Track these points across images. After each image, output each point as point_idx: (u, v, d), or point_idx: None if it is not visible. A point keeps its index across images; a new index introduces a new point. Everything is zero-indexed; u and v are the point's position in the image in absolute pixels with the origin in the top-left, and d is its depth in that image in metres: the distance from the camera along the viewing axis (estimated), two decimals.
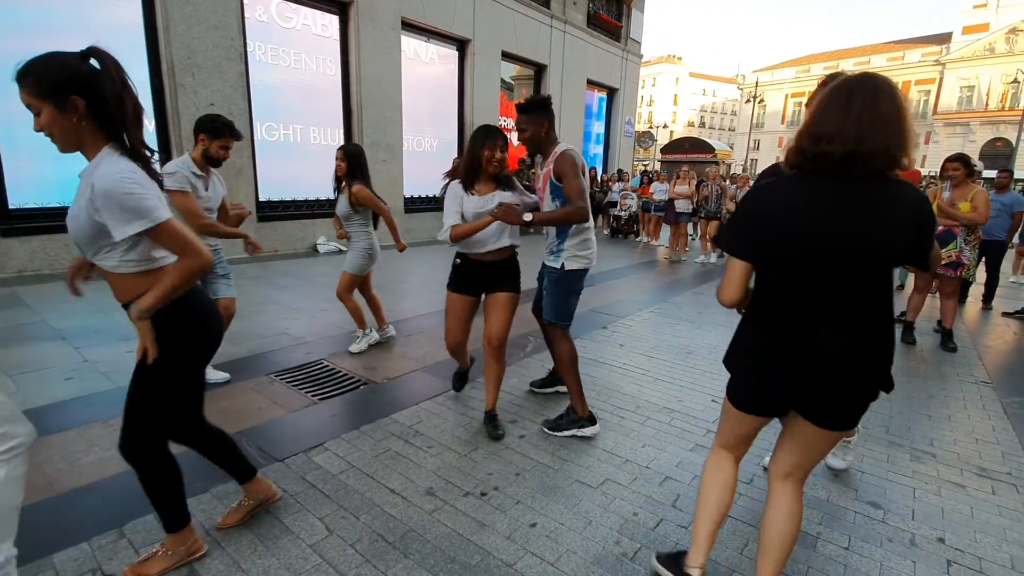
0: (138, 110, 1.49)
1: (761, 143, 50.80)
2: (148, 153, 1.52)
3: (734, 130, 61.50)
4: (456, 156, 10.72)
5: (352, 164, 3.75)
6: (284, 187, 8.21)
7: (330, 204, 8.39)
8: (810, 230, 1.35)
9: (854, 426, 1.52)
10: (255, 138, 7.69)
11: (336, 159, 3.78)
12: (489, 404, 2.87)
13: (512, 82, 12.22)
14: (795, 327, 1.41)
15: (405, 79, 9.44)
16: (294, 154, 8.28)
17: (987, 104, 38.55)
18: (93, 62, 1.43)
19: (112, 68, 1.43)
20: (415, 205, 10.27)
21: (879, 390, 1.42)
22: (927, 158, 39.46)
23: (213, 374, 3.28)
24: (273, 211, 8.01)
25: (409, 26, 9.45)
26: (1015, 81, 33.22)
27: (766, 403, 1.54)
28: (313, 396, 3.20)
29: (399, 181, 9.64)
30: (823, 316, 1.38)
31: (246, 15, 7.31)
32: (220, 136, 2.97)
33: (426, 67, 10.23)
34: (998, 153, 36.55)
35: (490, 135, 2.62)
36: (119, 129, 1.46)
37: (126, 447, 1.64)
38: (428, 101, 10.36)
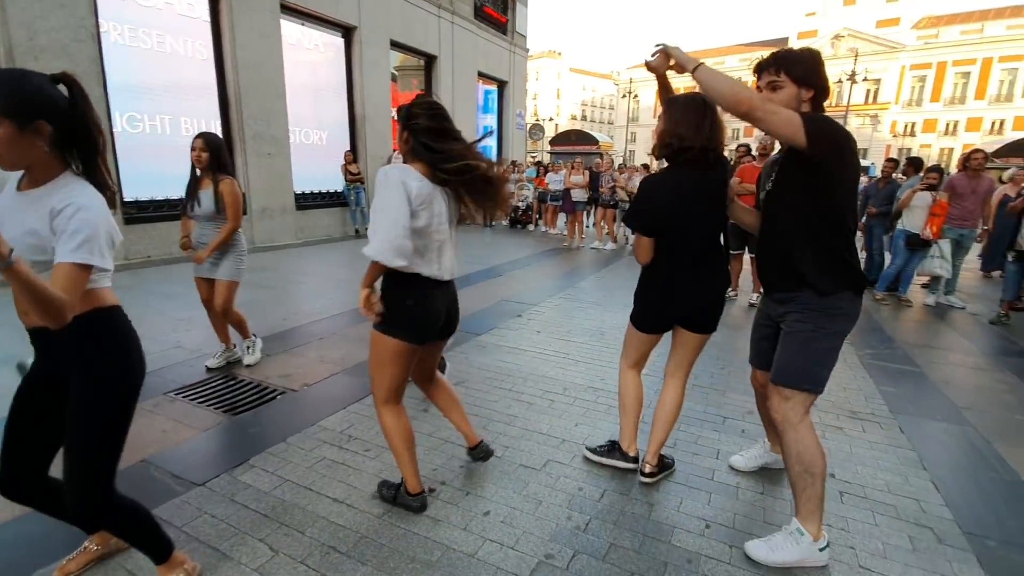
0: (104, 140, 1.44)
1: (637, 136, 54.46)
2: (112, 185, 1.44)
3: (613, 123, 65.27)
4: (348, 149, 10.26)
5: (216, 155, 3.22)
6: (153, 185, 7.32)
7: None
8: (690, 206, 2.11)
9: (714, 330, 2.29)
10: (114, 130, 6.77)
11: (194, 148, 3.18)
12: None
13: (395, 72, 11.89)
14: (679, 270, 2.17)
15: (289, 67, 8.82)
16: (163, 148, 7.40)
17: None
18: (62, 88, 1.35)
19: (84, 99, 1.38)
20: (307, 202, 9.68)
21: (723, 304, 2.27)
22: (773, 147, 44.87)
23: None
24: (142, 212, 7.12)
25: (289, 10, 8.83)
26: (839, 81, 38.75)
27: (660, 323, 2.30)
28: (225, 412, 2.94)
29: (288, 176, 9.02)
30: (695, 260, 2.16)
31: None
32: None
33: (311, 54, 9.64)
34: None
35: None
36: (94, 159, 1.39)
37: (90, 502, 1.45)
38: (315, 91, 9.78)
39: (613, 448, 2.48)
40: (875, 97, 41.70)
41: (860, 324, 5.35)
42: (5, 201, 1.41)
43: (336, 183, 10.18)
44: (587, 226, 11.21)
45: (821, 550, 1.88)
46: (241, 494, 2.20)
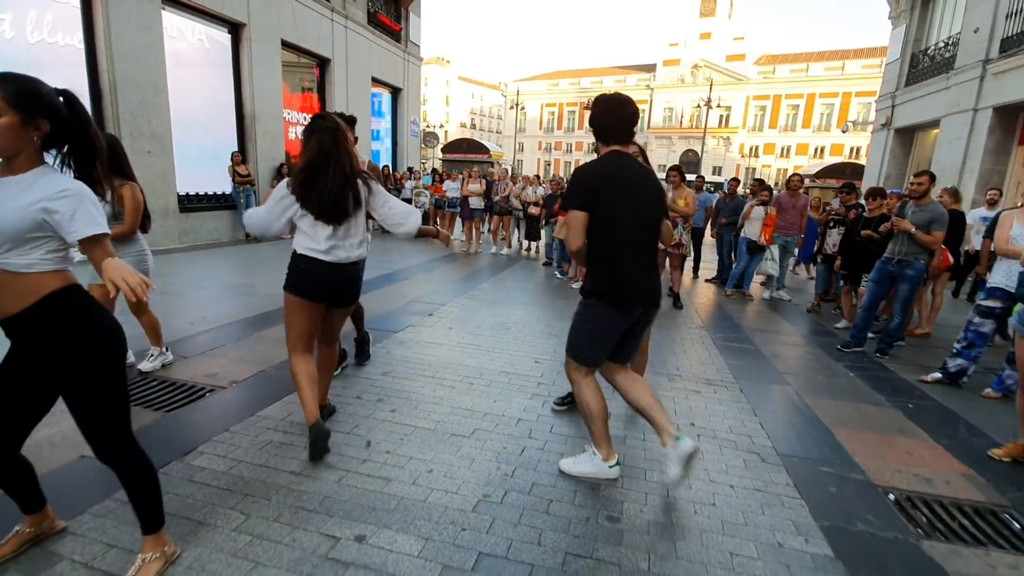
0: (103, 148, 1.69)
1: (524, 146, 56.50)
2: (107, 185, 1.71)
3: (501, 132, 67.01)
4: (236, 150, 9.87)
5: (113, 156, 3.05)
6: None
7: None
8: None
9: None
10: None
11: None
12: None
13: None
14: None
15: (172, 61, 8.35)
16: None
17: (681, 122, 49.75)
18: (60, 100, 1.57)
19: (84, 114, 1.62)
20: (192, 204, 9.16)
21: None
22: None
23: None
24: None
25: (172, 1, 8.37)
26: (698, 106, 43.68)
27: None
28: (157, 410, 3.01)
29: (170, 176, 8.50)
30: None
31: None
32: None
33: (196, 50, 9.16)
34: (690, 161, 47.19)
35: None
36: (93, 164, 1.65)
37: (122, 446, 1.67)
38: (200, 88, 9.30)
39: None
40: (727, 122, 47.45)
41: (714, 313, 6.51)
42: None
43: (224, 185, 9.74)
44: (484, 232, 11.77)
45: (611, 467, 2.54)
46: (199, 475, 2.39)
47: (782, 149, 46.02)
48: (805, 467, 2.83)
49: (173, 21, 8.57)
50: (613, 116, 2.45)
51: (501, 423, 3.09)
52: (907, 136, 13.31)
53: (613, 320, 2.42)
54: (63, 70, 7.11)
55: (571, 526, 2.20)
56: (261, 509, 2.17)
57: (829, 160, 37.50)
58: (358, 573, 1.85)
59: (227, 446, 2.65)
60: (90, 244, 1.52)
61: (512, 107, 51.50)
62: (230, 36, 9.77)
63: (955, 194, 5.84)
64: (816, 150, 43.92)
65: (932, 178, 4.82)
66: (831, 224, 6.66)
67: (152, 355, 3.59)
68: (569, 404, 3.26)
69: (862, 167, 21.32)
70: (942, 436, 3.32)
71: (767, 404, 3.71)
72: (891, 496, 2.60)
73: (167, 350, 3.70)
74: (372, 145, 15.26)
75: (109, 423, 1.64)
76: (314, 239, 2.49)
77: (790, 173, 7.74)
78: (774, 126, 46.17)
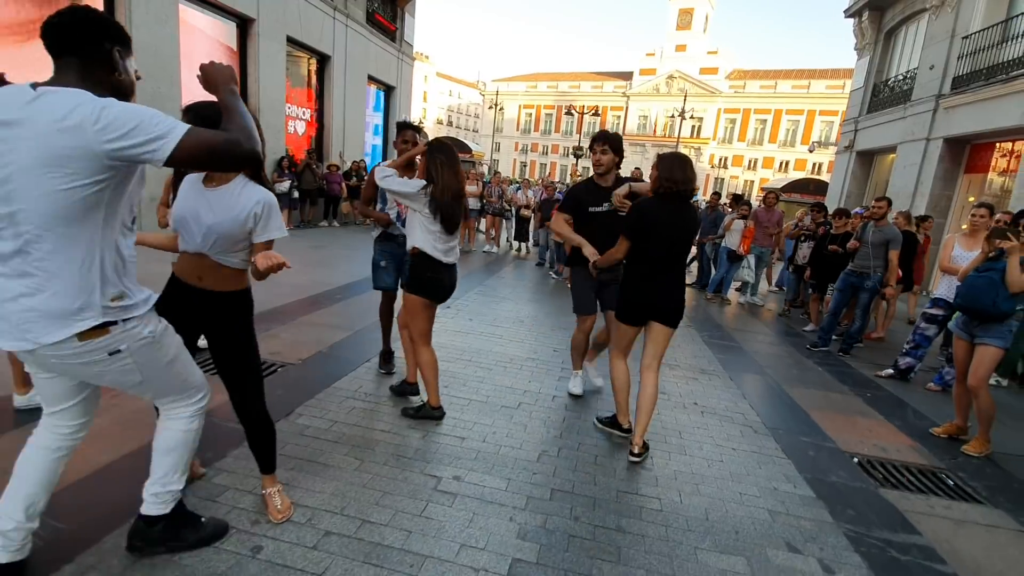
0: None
1: (502, 146, 56.95)
2: (273, 189, 2.03)
3: (478, 131, 67.27)
4: None
5: None
6: None
7: None
8: (663, 227, 2.85)
9: (677, 326, 3.02)
10: None
11: None
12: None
13: None
14: (651, 276, 2.94)
15: (184, 54, 8.56)
16: None
17: (655, 131, 51.21)
18: None
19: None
20: None
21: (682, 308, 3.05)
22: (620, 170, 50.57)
23: None
24: None
25: None
26: (672, 116, 45.12)
27: (638, 318, 3.02)
28: None
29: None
30: (665, 271, 2.94)
31: None
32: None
33: (204, 43, 9.36)
34: None
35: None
36: (261, 170, 1.97)
37: (253, 410, 2.06)
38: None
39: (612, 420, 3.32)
40: (698, 132, 49.12)
41: (699, 316, 7.23)
42: (197, 195, 1.89)
43: None
44: (479, 232, 12.29)
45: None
46: (307, 431, 2.87)
47: (750, 161, 47.94)
48: (788, 437, 3.49)
49: (186, 14, 8.78)
50: None
51: (540, 398, 3.65)
52: (867, 159, 14.48)
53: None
54: None
55: (616, 472, 2.79)
56: (369, 456, 2.68)
57: (793, 175, 39.36)
58: (465, 501, 2.39)
59: (320, 410, 3.13)
60: (266, 244, 1.92)
61: (491, 107, 51.99)
62: (239, 31, 9.99)
63: (908, 217, 6.70)
64: (781, 164, 45.96)
65: (889, 203, 5.64)
66: (802, 238, 7.48)
67: None
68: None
69: (825, 183, 22.71)
70: (894, 418, 4.06)
71: (753, 390, 4.39)
72: (855, 460, 3.29)
73: None
74: (373, 140, 15.56)
75: (256, 389, 2.07)
76: (437, 240, 2.99)
77: (759, 186, 8.52)
78: (743, 139, 48.08)
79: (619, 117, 52.37)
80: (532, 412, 3.43)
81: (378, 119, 15.86)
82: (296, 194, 11.02)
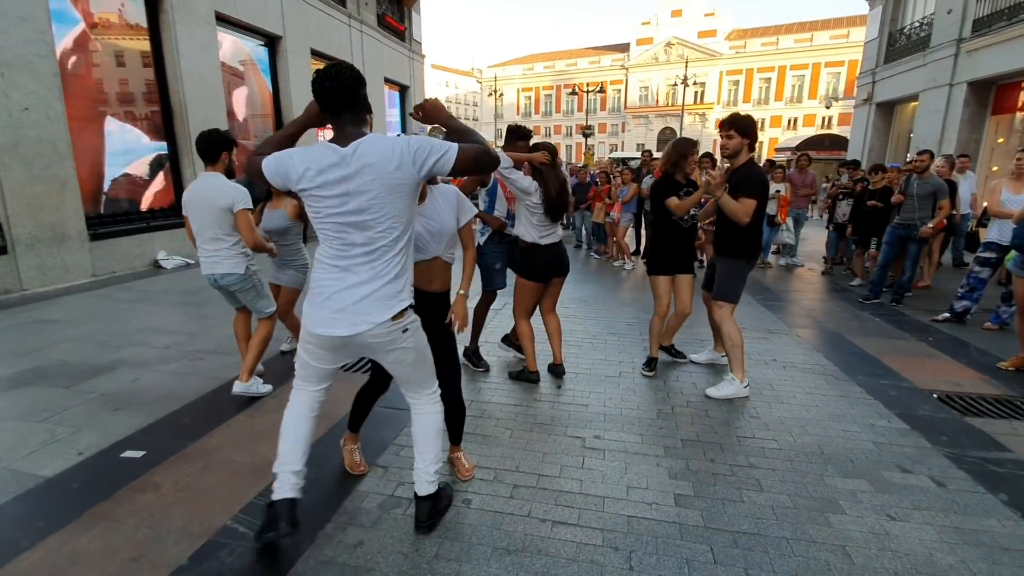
0: None
1: (503, 132, 56.83)
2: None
3: (478, 120, 67.14)
4: None
5: None
6: (118, 199, 7.26)
7: (173, 215, 7.73)
8: None
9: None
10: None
11: None
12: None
13: None
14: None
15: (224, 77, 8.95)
16: (118, 161, 7.34)
17: (657, 101, 50.70)
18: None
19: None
20: None
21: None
22: (624, 144, 50.45)
23: (262, 386, 3.47)
24: (105, 227, 7.05)
25: (223, 20, 8.94)
26: (674, 84, 44.71)
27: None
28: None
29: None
30: None
31: (51, 5, 6.25)
32: (235, 146, 3.29)
33: (239, 66, 9.74)
34: (667, 139, 48.21)
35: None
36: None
37: (454, 391, 2.44)
38: (244, 102, 9.91)
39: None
40: (702, 98, 48.60)
41: (749, 281, 7.52)
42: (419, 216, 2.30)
43: None
44: None
45: (745, 387, 3.51)
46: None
47: (758, 122, 47.26)
48: (869, 381, 3.83)
49: (222, 39, 9.15)
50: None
51: (636, 367, 4.03)
52: (887, 110, 14.50)
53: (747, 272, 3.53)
54: (143, 90, 7.71)
55: (731, 421, 3.17)
56: (515, 426, 3.08)
57: (803, 131, 38.97)
58: (613, 454, 2.78)
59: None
60: (469, 224, 2.40)
61: (490, 94, 51.91)
62: (267, 49, 10.35)
63: (951, 163, 6.85)
64: (789, 122, 45.40)
65: (932, 155, 5.86)
66: (840, 196, 7.70)
67: (290, 339, 4.24)
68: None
69: (842, 138, 22.59)
70: (960, 357, 4.38)
71: (821, 343, 4.72)
72: (935, 395, 3.62)
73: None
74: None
75: (456, 376, 2.48)
76: (538, 229, 3.46)
77: (769, 146, 8.63)
78: (747, 100, 47.45)
79: (619, 91, 51.93)
80: (635, 380, 3.80)
81: (394, 116, 16.18)
82: None
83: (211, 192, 3.10)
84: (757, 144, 3.99)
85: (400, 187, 1.78)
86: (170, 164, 8.21)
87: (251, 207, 3.17)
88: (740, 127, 3.44)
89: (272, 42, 10.35)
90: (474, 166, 1.90)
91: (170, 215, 7.96)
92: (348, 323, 1.84)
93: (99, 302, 5.74)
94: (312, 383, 2.10)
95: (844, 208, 7.58)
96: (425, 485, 2.14)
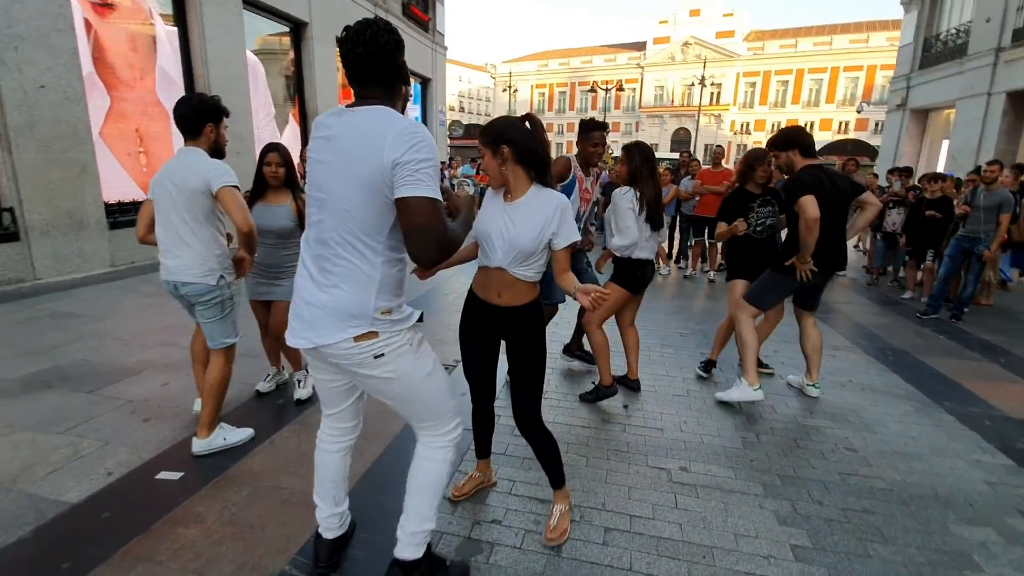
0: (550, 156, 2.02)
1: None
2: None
3: (490, 115, 66.75)
4: (305, 146, 10.21)
5: (290, 170, 3.04)
6: (134, 187, 6.98)
7: None
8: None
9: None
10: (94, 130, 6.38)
11: (269, 164, 2.97)
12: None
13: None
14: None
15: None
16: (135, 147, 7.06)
17: (673, 101, 50.19)
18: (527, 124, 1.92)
19: (540, 128, 1.95)
20: None
21: None
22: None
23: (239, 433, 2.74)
24: (124, 216, 6.76)
25: (249, 4, 8.63)
26: (690, 85, 44.22)
27: None
28: None
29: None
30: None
31: None
32: (224, 116, 2.59)
33: (261, 52, 9.44)
34: (682, 140, 47.81)
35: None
36: (546, 172, 1.95)
37: (533, 414, 2.06)
38: (267, 86, 9.61)
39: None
40: (718, 99, 48.05)
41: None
42: (500, 211, 1.93)
43: None
44: None
45: (755, 390, 3.27)
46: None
47: (773, 125, 46.75)
48: (958, 409, 3.51)
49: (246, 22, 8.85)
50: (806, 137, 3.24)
51: (702, 385, 3.71)
52: (921, 116, 14.09)
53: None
54: (167, 76, 7.42)
55: (826, 453, 2.85)
56: (590, 452, 2.77)
57: (820, 136, 38.48)
58: (707, 491, 2.47)
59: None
60: (568, 249, 1.96)
61: (504, 89, 51.47)
62: (292, 36, 10.04)
63: (1017, 174, 6.45)
64: (806, 125, 44.79)
65: (1001, 166, 5.51)
66: (890, 204, 7.34)
67: (271, 376, 3.46)
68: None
69: (864, 143, 22.17)
70: None
71: (892, 362, 4.38)
72: None
73: (308, 374, 3.89)
74: None
75: (532, 402, 2.05)
76: (646, 242, 3.20)
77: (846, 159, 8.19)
78: (764, 103, 46.92)
79: (633, 90, 51.42)
80: (704, 399, 3.49)
81: (416, 111, 15.86)
82: None
83: (183, 171, 2.40)
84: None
85: (365, 186, 1.44)
86: None
87: (237, 184, 2.47)
88: (778, 143, 3.38)
89: (297, 28, 10.05)
90: (425, 235, 1.42)
91: None
92: (302, 332, 1.56)
93: (119, 295, 5.45)
94: (328, 407, 1.83)
95: (894, 217, 7.22)
96: (409, 547, 1.72)
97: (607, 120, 46.05)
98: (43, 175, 5.71)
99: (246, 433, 2.74)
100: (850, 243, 8.59)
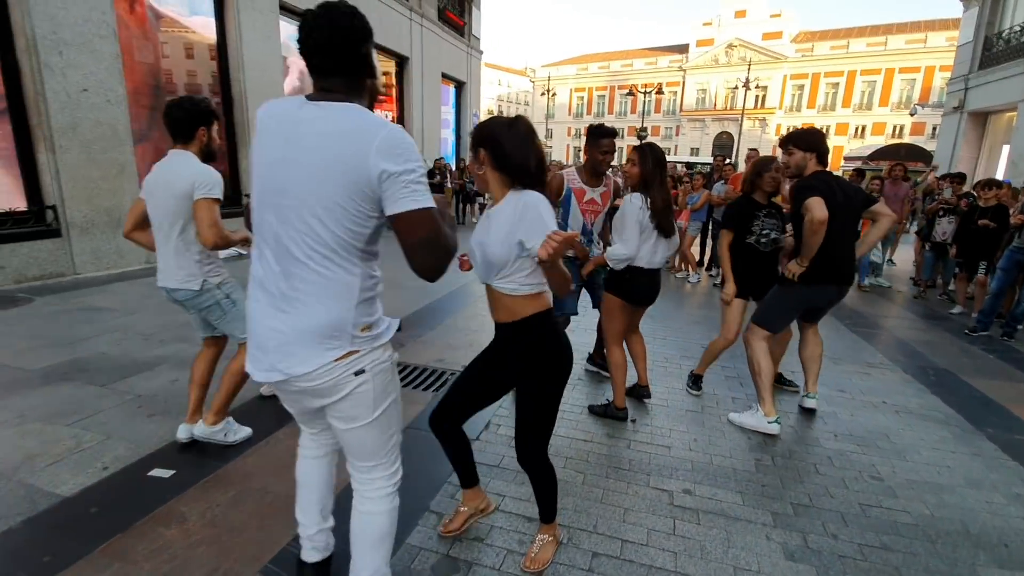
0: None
1: (554, 132, 56.27)
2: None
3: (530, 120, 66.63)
4: None
5: None
6: None
7: (228, 204, 7.66)
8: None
9: None
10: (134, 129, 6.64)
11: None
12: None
13: None
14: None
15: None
16: None
17: (715, 104, 48.97)
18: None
19: (528, 132, 1.75)
20: None
21: None
22: (677, 148, 48.95)
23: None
24: None
25: (285, 9, 8.86)
26: (734, 88, 43.06)
27: None
28: (426, 390, 3.50)
29: None
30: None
31: None
32: (216, 120, 2.57)
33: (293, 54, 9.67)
34: (724, 144, 46.61)
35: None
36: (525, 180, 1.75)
37: (535, 450, 1.89)
38: (301, 92, 9.84)
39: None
40: (763, 102, 46.60)
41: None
42: (485, 219, 1.80)
43: None
44: None
45: (770, 423, 3.03)
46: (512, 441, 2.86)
47: (821, 129, 45.05)
48: (1001, 436, 3.20)
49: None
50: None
51: (720, 401, 3.52)
52: (980, 119, 13.23)
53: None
54: (208, 77, 7.68)
55: (847, 481, 2.63)
56: (588, 469, 2.65)
57: (871, 140, 36.77)
58: (710, 517, 2.31)
59: (511, 419, 3.13)
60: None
61: (543, 93, 51.38)
62: None
63: None
64: (857, 129, 42.99)
65: None
66: (940, 213, 6.88)
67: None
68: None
69: (919, 148, 21.03)
70: None
71: (933, 382, 4.06)
72: None
73: None
74: (444, 133, 15.70)
75: (533, 436, 1.87)
76: (657, 247, 3.04)
77: (835, 155, 7.75)
78: (812, 106, 45.24)
79: (675, 93, 50.49)
80: (721, 417, 3.30)
81: (449, 114, 15.98)
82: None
83: (171, 175, 2.38)
84: (768, 150, 3.62)
85: (345, 191, 1.30)
86: (227, 153, 8.17)
87: (218, 198, 2.42)
88: (800, 141, 3.11)
89: None
90: (426, 245, 1.33)
91: (225, 204, 7.89)
92: (270, 362, 1.42)
93: (150, 291, 5.63)
94: (308, 426, 1.74)
95: (944, 226, 6.76)
96: None
97: (646, 125, 45.48)
98: (84, 174, 5.98)
99: (245, 433, 2.76)
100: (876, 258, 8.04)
